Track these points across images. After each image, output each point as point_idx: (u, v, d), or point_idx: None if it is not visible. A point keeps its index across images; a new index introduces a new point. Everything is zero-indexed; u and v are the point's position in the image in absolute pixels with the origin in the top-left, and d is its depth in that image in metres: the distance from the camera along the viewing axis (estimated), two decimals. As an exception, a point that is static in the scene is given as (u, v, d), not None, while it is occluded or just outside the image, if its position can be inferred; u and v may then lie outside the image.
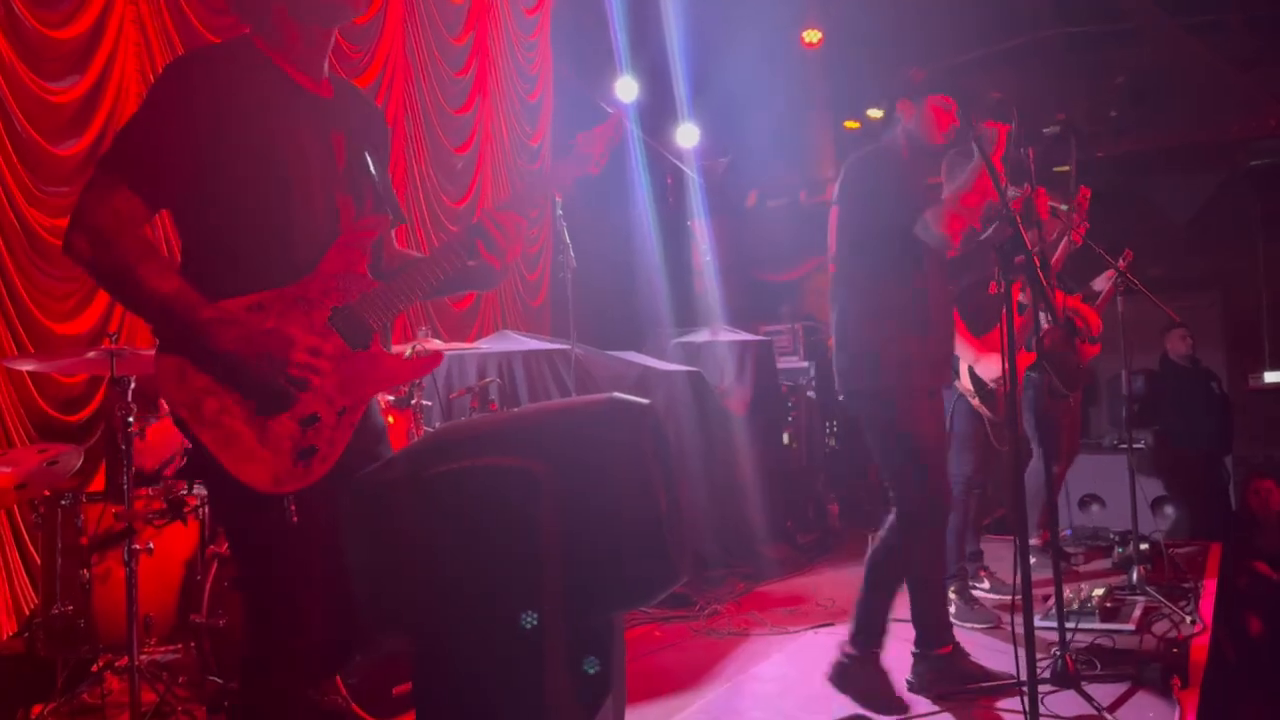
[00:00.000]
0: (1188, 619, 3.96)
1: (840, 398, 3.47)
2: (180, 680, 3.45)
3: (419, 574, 1.47)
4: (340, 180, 1.96)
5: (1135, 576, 4.43)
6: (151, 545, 3.43)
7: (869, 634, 3.32)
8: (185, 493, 3.64)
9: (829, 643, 4.12)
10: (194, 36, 4.92)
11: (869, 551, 3.40)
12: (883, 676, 3.32)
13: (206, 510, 3.68)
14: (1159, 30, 8.68)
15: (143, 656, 3.20)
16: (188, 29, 4.91)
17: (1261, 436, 7.43)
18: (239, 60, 1.88)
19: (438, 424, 4.69)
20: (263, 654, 1.87)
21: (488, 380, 4.96)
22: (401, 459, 1.68)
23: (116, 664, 3.43)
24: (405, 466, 1.55)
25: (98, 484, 4.17)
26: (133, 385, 3.37)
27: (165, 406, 3.97)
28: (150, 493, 3.59)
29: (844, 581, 4.98)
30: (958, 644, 3.48)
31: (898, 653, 3.43)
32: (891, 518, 3.33)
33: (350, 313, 1.87)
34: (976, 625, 4.12)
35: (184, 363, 1.77)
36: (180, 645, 3.61)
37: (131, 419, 3.26)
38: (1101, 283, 5.11)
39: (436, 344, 4.43)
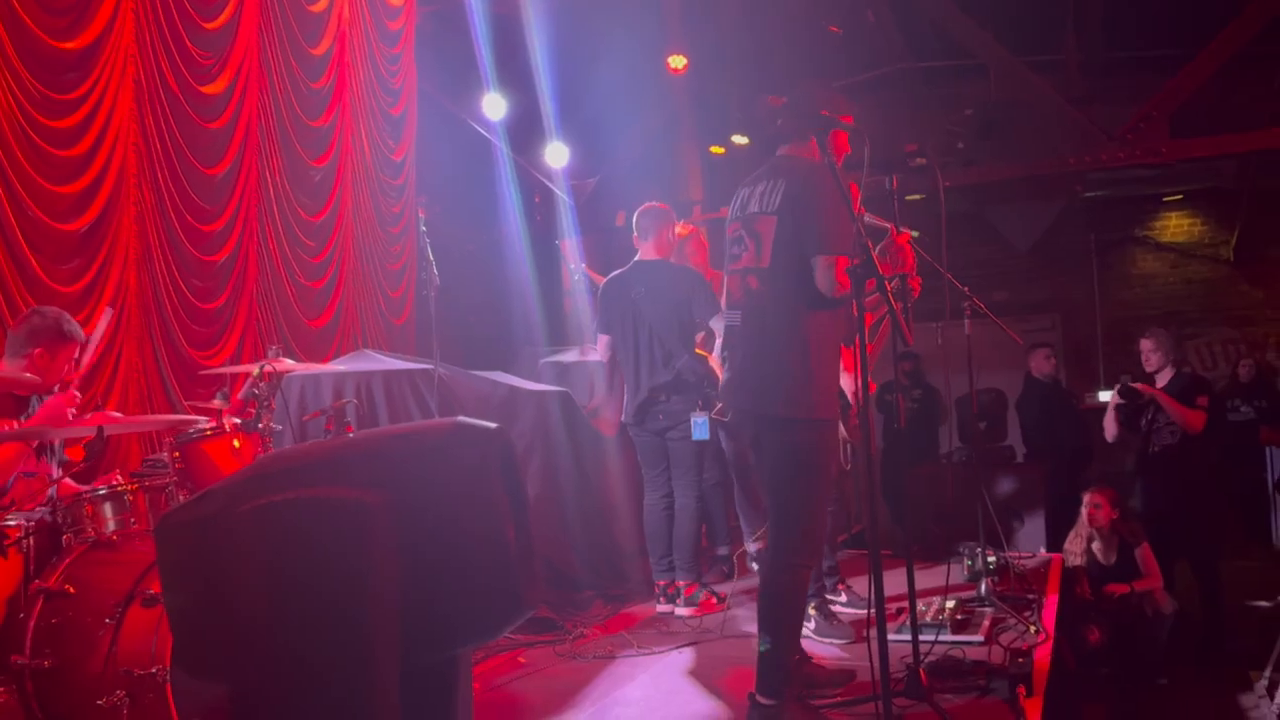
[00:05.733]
0: (1032, 629, 4.13)
1: (727, 417, 3.27)
2: (-2, 728, 3.18)
3: (234, 617, 1.36)
4: None
5: (984, 589, 4.60)
6: (-34, 582, 3.15)
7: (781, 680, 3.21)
8: (9, 523, 3.36)
9: (692, 663, 4.13)
10: (28, 37, 4.61)
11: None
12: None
13: (31, 542, 3.40)
14: (1003, 67, 9.17)
15: (-46, 704, 2.95)
16: (20, 29, 4.59)
17: (1096, 453, 7.89)
18: None
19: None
20: None
21: (344, 401, 4.77)
22: (218, 491, 1.54)
23: (-76, 712, 3.13)
24: (220, 501, 1.44)
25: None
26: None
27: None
28: (-34, 524, 3.30)
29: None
30: (803, 653, 3.51)
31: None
32: (768, 556, 3.23)
33: None
34: (836, 640, 4.20)
35: None
36: (0, 689, 3.33)
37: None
38: None
39: (288, 363, 4.25)
